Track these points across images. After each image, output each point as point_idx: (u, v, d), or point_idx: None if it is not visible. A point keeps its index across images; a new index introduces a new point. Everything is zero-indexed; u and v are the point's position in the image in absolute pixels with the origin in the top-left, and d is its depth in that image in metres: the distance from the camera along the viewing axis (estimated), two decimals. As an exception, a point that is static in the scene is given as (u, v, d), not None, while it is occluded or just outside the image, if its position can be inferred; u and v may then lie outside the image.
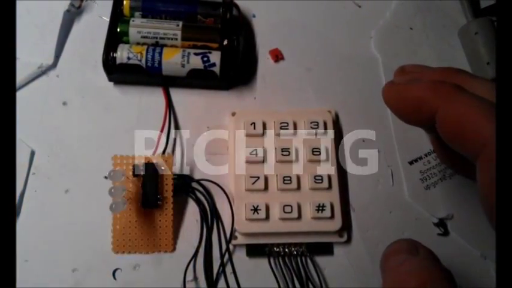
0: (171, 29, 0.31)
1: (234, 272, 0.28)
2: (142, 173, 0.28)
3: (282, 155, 0.29)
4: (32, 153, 0.30)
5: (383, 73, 0.33)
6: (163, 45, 0.31)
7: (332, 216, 0.28)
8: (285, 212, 0.28)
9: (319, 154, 0.29)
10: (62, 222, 0.28)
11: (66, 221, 0.28)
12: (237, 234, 0.28)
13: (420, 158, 0.31)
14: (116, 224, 0.28)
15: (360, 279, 0.28)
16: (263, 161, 0.29)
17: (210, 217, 0.29)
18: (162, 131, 0.30)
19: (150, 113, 0.31)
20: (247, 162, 0.29)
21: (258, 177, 0.29)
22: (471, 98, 0.19)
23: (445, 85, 0.20)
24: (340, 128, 0.32)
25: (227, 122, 0.31)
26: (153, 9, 0.32)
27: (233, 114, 0.31)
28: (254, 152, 0.29)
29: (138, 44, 0.31)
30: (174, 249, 0.28)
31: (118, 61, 0.30)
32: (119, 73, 0.30)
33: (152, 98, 0.31)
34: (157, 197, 0.27)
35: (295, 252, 0.28)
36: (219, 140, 0.31)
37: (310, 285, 0.28)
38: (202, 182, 0.29)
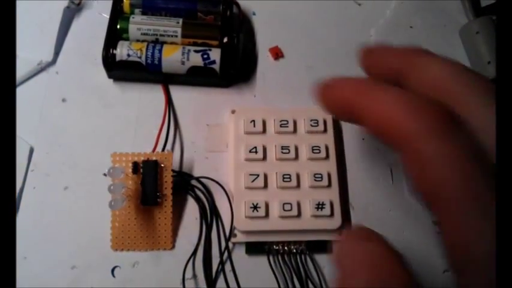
0: (171, 26, 0.31)
1: (233, 270, 0.27)
2: (141, 170, 0.27)
3: (282, 152, 0.29)
4: (31, 150, 0.30)
5: (383, 71, 0.33)
6: (163, 43, 0.31)
7: (332, 215, 0.28)
8: (284, 210, 0.28)
9: (319, 152, 0.29)
10: (61, 219, 0.28)
11: (65, 218, 0.28)
12: (236, 232, 0.28)
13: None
14: (115, 221, 0.28)
15: (359, 277, 0.28)
16: (263, 158, 0.29)
17: (209, 215, 0.29)
18: (161, 128, 0.30)
19: (149, 110, 0.31)
20: (247, 160, 0.29)
21: (258, 175, 0.28)
22: (388, 94, 0.20)
23: (414, 51, 0.21)
24: (340, 126, 0.32)
25: (227, 120, 0.31)
26: (153, 6, 0.32)
27: (233, 111, 0.30)
28: (254, 150, 0.29)
29: (138, 41, 0.31)
30: (173, 246, 0.28)
31: (118, 58, 0.30)
32: (119, 70, 0.30)
33: (152, 95, 0.31)
34: (156, 194, 0.27)
35: (294, 250, 0.28)
36: (219, 138, 0.31)
37: (310, 283, 0.28)
38: (201, 179, 0.29)
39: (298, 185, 0.29)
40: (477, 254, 0.17)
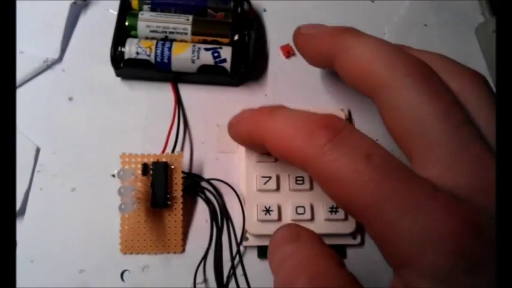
0: (181, 23, 0.30)
1: (244, 274, 0.27)
2: (151, 172, 0.27)
3: None
4: (37, 150, 0.29)
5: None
6: (172, 40, 0.30)
7: (346, 218, 0.27)
8: (297, 213, 0.27)
9: None
10: (68, 221, 0.28)
11: (72, 221, 0.28)
12: (248, 235, 0.28)
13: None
14: (124, 224, 0.27)
15: (372, 282, 0.28)
16: (275, 160, 0.28)
17: (220, 217, 0.28)
18: (171, 128, 0.29)
19: (158, 109, 0.30)
20: (259, 161, 0.28)
21: (270, 177, 0.28)
22: (278, 119, 0.21)
23: (340, 34, 0.23)
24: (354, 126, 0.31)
25: None
26: (162, 2, 0.31)
27: None
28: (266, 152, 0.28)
29: (147, 38, 0.30)
30: (183, 250, 0.28)
31: (126, 56, 0.29)
32: (127, 68, 0.30)
33: (161, 94, 0.31)
34: (166, 196, 0.27)
35: (307, 254, 0.28)
36: (229, 138, 0.30)
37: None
38: (212, 181, 0.29)
39: (312, 188, 0.28)
40: (406, 250, 0.17)
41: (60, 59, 0.31)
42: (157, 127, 0.30)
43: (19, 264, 0.26)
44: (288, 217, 0.27)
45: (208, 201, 0.28)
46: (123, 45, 0.29)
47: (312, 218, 0.27)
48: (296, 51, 0.33)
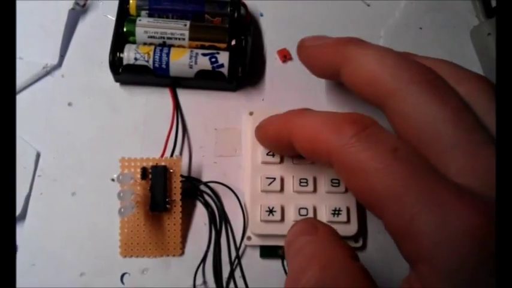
0: (179, 29, 0.30)
1: (243, 276, 0.27)
2: (150, 176, 0.27)
3: (299, 156, 0.29)
4: (38, 155, 0.29)
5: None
6: (170, 46, 0.30)
7: (348, 221, 0.28)
8: (300, 215, 0.27)
9: None
10: (68, 225, 0.28)
11: (73, 224, 0.28)
12: (251, 235, 0.28)
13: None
14: (124, 227, 0.27)
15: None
16: (280, 162, 0.29)
17: (218, 220, 0.29)
18: (169, 132, 0.30)
19: (157, 114, 0.31)
20: (263, 162, 0.29)
21: (274, 179, 0.28)
22: (308, 118, 0.22)
23: (345, 45, 0.23)
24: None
25: (244, 122, 0.31)
26: (160, 8, 0.31)
27: (251, 113, 0.30)
28: (271, 153, 0.28)
29: (145, 44, 0.30)
30: (182, 253, 0.28)
31: (125, 62, 0.29)
32: (126, 74, 0.30)
33: (159, 99, 0.31)
34: (165, 200, 0.27)
35: (309, 256, 0.28)
36: (227, 142, 0.30)
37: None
38: (210, 184, 0.29)
39: (315, 190, 0.28)
40: (425, 247, 0.17)
41: (59, 64, 0.32)
42: (156, 131, 0.30)
43: (20, 268, 0.27)
44: (290, 218, 0.28)
45: (206, 205, 0.29)
46: (122, 51, 0.29)
47: None
48: (293, 55, 0.33)
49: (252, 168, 0.29)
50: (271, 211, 0.27)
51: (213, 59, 0.30)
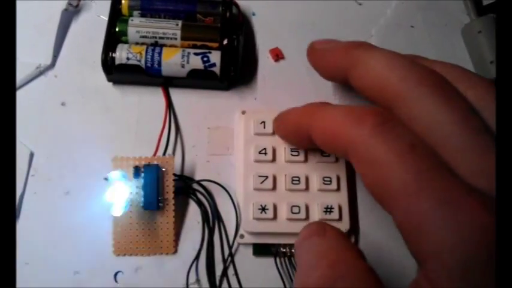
0: (171, 29, 0.30)
1: (236, 274, 0.27)
2: (142, 174, 0.27)
3: (291, 155, 0.29)
4: (31, 155, 0.30)
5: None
6: (162, 45, 0.30)
7: (340, 219, 0.28)
8: (292, 213, 0.28)
9: (329, 155, 0.29)
10: (62, 224, 0.28)
11: (66, 224, 0.28)
12: (244, 233, 0.28)
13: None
14: (117, 226, 0.28)
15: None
16: (272, 160, 0.29)
17: (211, 218, 0.29)
18: (162, 131, 0.30)
19: (150, 113, 0.31)
20: (256, 161, 0.29)
21: (267, 177, 0.28)
22: (328, 110, 0.22)
23: (354, 48, 0.24)
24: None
25: (236, 120, 0.31)
26: (152, 8, 0.31)
27: (243, 112, 0.30)
28: (263, 151, 0.29)
29: (137, 43, 0.30)
30: (175, 251, 0.28)
31: (117, 61, 0.30)
32: (118, 73, 0.30)
33: (152, 99, 0.31)
34: (158, 198, 0.27)
35: (301, 253, 0.28)
36: (220, 141, 0.31)
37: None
38: (203, 182, 0.29)
39: (307, 188, 0.29)
40: (435, 243, 0.17)
41: (52, 65, 0.32)
42: (149, 131, 0.30)
43: (14, 267, 0.27)
44: (283, 216, 0.28)
45: (199, 203, 0.29)
46: (114, 51, 0.30)
47: (307, 218, 0.28)
48: (285, 54, 0.33)
49: (244, 166, 0.29)
50: (263, 209, 0.28)
51: (205, 59, 0.30)
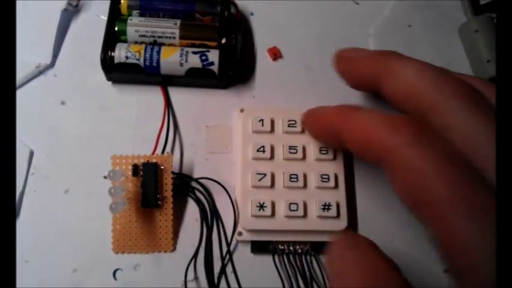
0: (169, 28, 0.31)
1: (234, 272, 0.27)
2: (141, 172, 0.27)
3: (290, 152, 0.29)
4: (31, 153, 0.30)
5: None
6: (161, 44, 0.31)
7: (338, 216, 0.28)
8: (290, 210, 0.28)
9: (327, 153, 0.29)
10: (62, 222, 0.28)
11: (66, 221, 0.28)
12: (242, 230, 0.28)
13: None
14: (116, 224, 0.28)
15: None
16: (270, 158, 0.29)
17: (210, 216, 0.29)
18: (161, 130, 0.30)
19: (148, 112, 0.31)
20: (254, 158, 0.29)
21: (265, 174, 0.28)
22: (364, 115, 0.22)
23: (384, 57, 0.23)
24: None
25: (235, 118, 0.31)
26: (150, 7, 0.31)
27: (241, 110, 0.30)
28: (261, 149, 0.29)
29: (136, 43, 0.31)
30: (174, 249, 0.28)
31: (116, 60, 0.30)
32: (117, 72, 0.30)
33: (151, 97, 0.31)
34: (156, 196, 0.27)
35: (299, 251, 0.28)
36: (218, 139, 0.31)
37: (314, 284, 0.28)
38: (201, 180, 0.29)
39: (305, 186, 0.29)
40: (473, 258, 0.17)
41: (52, 64, 0.32)
42: (148, 129, 0.30)
43: (14, 265, 0.27)
44: (281, 213, 0.28)
45: (198, 201, 0.29)
46: (113, 50, 0.30)
47: (305, 215, 0.28)
48: (283, 54, 0.34)
49: (242, 164, 0.29)
50: (261, 206, 0.28)
51: (204, 57, 0.30)
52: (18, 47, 0.31)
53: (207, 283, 0.27)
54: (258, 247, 0.28)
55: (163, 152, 0.29)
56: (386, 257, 0.19)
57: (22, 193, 0.29)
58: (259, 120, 0.30)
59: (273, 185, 0.29)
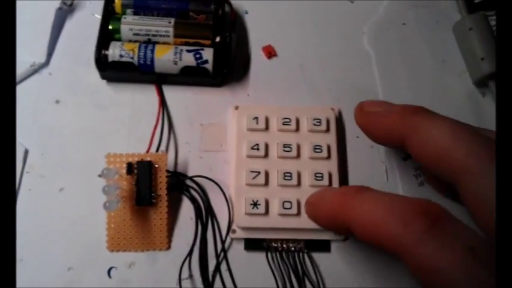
0: (163, 26, 0.31)
1: (229, 269, 0.28)
2: (135, 171, 0.28)
3: (284, 150, 0.29)
4: (26, 152, 0.30)
5: (376, 69, 0.34)
6: (155, 43, 0.31)
7: None
8: (284, 208, 0.28)
9: (321, 151, 0.29)
10: (56, 220, 0.28)
11: (61, 220, 0.28)
12: (235, 228, 0.28)
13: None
14: (111, 222, 0.28)
15: (356, 277, 0.29)
16: (264, 156, 0.29)
17: (204, 214, 0.29)
18: (155, 128, 0.30)
19: (143, 110, 0.31)
20: (249, 156, 0.29)
21: (259, 172, 0.29)
22: (366, 202, 0.21)
23: (412, 114, 0.22)
24: (343, 126, 0.32)
25: (230, 116, 0.31)
26: (144, 6, 0.31)
27: (236, 108, 0.30)
28: (256, 147, 0.29)
29: (130, 41, 0.31)
30: (169, 247, 0.28)
31: (110, 59, 0.30)
32: (112, 71, 0.30)
33: (145, 96, 0.31)
34: (151, 194, 0.27)
35: (293, 249, 0.28)
36: (213, 137, 0.31)
37: (307, 282, 0.28)
38: (196, 178, 0.29)
39: (299, 184, 0.29)
40: None
41: (46, 63, 0.32)
42: (142, 128, 0.30)
43: (8, 263, 0.27)
44: (275, 211, 0.28)
45: (193, 199, 0.29)
46: (107, 49, 0.30)
47: (299, 213, 0.28)
48: (278, 52, 0.34)
49: (236, 162, 0.29)
50: (255, 204, 0.28)
51: (198, 55, 0.30)
52: (13, 46, 0.31)
53: (202, 281, 0.27)
54: (252, 245, 0.28)
55: (157, 150, 0.29)
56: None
57: (17, 191, 0.29)
58: (254, 118, 0.30)
59: (267, 183, 0.29)
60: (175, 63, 0.30)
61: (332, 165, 0.29)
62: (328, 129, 0.30)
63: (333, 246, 0.29)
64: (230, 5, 0.33)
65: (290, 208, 0.28)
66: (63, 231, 0.28)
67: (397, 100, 0.25)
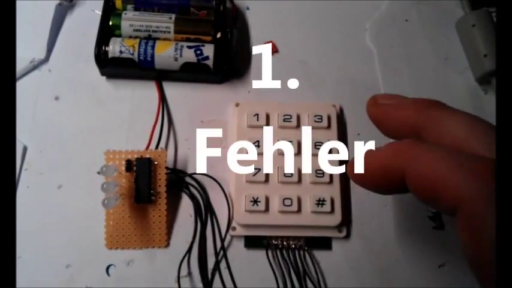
0: (164, 22, 0.30)
1: (228, 267, 0.27)
2: (135, 168, 0.27)
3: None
4: (25, 149, 0.30)
5: (378, 66, 0.33)
6: (156, 39, 0.30)
7: (332, 211, 0.28)
8: (284, 205, 0.28)
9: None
10: (55, 218, 0.28)
11: (59, 217, 0.28)
12: (236, 225, 0.28)
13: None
14: (109, 219, 0.28)
15: (357, 274, 0.28)
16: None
17: (204, 212, 0.29)
18: (155, 125, 0.30)
19: (143, 107, 0.31)
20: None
21: (259, 169, 0.28)
22: (433, 152, 0.19)
23: (429, 107, 0.21)
24: (345, 123, 0.31)
25: (230, 113, 0.31)
26: (145, 1, 0.31)
27: (237, 104, 0.30)
28: (256, 144, 0.29)
29: (130, 37, 0.30)
30: (168, 244, 0.28)
31: (110, 55, 0.30)
32: (112, 67, 0.30)
33: (145, 92, 0.31)
34: (150, 192, 0.27)
35: (293, 246, 0.28)
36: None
37: (308, 280, 0.28)
38: (195, 176, 0.29)
39: (300, 181, 0.29)
40: None
41: (46, 59, 0.32)
42: (142, 124, 0.30)
43: (6, 260, 0.27)
44: (275, 208, 0.28)
45: (192, 197, 0.29)
46: (107, 45, 0.30)
47: (299, 210, 0.28)
48: (279, 48, 0.33)
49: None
50: (255, 201, 0.28)
51: (198, 52, 0.30)
52: (12, 42, 0.31)
53: (201, 279, 0.27)
54: (252, 242, 0.28)
55: (157, 147, 0.29)
56: None
57: (15, 189, 0.29)
58: (255, 115, 0.29)
59: (267, 180, 0.28)
60: (176, 59, 0.30)
61: (333, 162, 0.29)
62: (329, 126, 0.30)
63: (334, 244, 0.29)
64: (231, 1, 0.33)
65: (290, 205, 0.28)
66: (62, 229, 0.28)
67: (399, 97, 0.25)
